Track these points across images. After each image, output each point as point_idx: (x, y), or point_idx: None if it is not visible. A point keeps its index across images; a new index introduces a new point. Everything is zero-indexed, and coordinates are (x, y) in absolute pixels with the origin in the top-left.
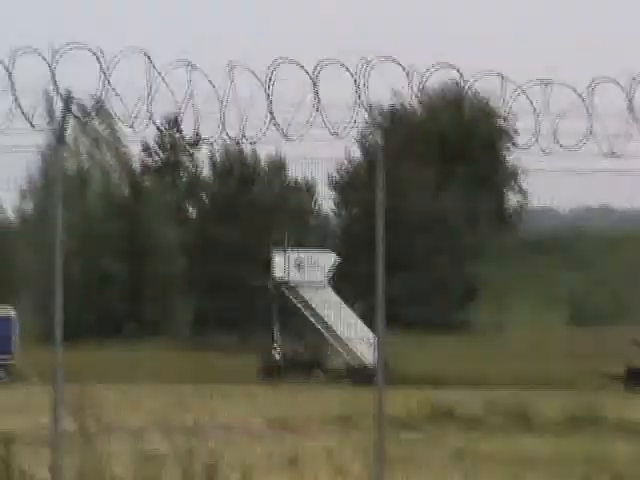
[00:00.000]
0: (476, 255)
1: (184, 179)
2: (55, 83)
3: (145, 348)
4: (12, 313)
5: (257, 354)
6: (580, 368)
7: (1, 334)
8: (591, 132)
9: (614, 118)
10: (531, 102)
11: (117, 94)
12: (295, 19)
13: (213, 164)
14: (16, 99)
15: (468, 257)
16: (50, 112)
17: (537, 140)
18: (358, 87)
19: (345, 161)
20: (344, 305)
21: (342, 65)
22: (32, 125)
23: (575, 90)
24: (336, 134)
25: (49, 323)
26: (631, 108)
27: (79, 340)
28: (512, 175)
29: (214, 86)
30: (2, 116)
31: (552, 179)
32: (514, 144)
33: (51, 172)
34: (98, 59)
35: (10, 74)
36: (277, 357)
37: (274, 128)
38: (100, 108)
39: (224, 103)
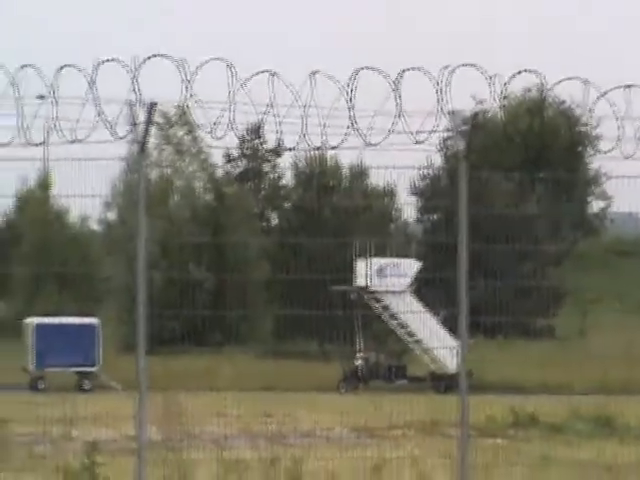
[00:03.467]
0: (559, 261)
1: (266, 187)
2: (138, 92)
3: (228, 356)
4: (96, 322)
5: (339, 361)
6: None
7: (85, 344)
8: None
9: None
10: (613, 107)
11: (199, 103)
12: (374, 26)
13: (295, 171)
14: (99, 109)
15: (551, 263)
16: (133, 121)
17: (619, 145)
18: (440, 94)
19: (426, 168)
20: (426, 312)
21: (424, 72)
22: (115, 135)
23: None
24: (418, 142)
25: (133, 332)
26: None
27: (162, 348)
28: (595, 180)
29: (296, 94)
30: (85, 127)
31: (635, 184)
32: (597, 149)
33: (134, 181)
34: (180, 68)
35: (93, 84)
36: (359, 364)
37: (356, 135)
38: (182, 117)
39: (306, 111)
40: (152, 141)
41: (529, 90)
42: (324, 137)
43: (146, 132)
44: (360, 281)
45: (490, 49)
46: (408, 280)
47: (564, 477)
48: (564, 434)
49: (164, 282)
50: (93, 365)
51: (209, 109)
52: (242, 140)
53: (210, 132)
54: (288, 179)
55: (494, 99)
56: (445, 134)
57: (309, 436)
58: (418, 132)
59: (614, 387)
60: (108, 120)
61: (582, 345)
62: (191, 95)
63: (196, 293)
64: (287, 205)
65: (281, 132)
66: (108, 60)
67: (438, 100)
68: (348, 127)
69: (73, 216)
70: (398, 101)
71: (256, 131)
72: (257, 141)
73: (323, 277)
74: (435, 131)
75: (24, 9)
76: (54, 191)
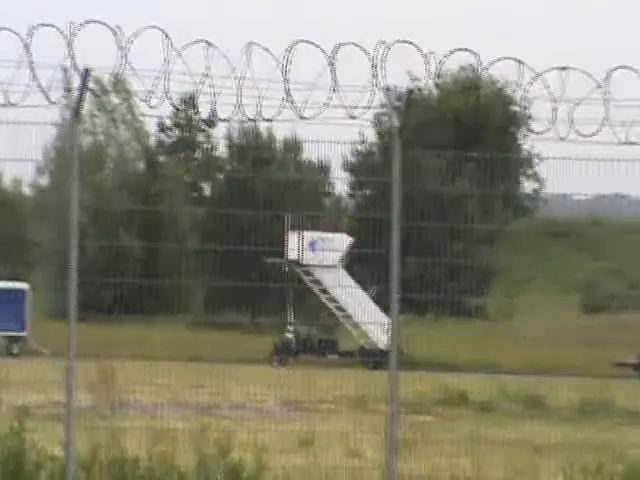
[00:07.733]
0: (490, 240)
1: (199, 157)
2: (73, 58)
3: (158, 325)
4: (26, 287)
5: (271, 334)
6: (593, 355)
7: (14, 308)
8: (607, 120)
9: (631, 106)
10: (548, 89)
11: (134, 71)
12: (313, 3)
13: (229, 143)
14: (33, 74)
15: (482, 242)
16: (67, 87)
17: (553, 127)
18: (375, 69)
19: (360, 143)
20: (358, 288)
21: (360, 47)
22: (49, 100)
23: (592, 77)
24: (353, 117)
25: (64, 298)
26: None
27: (92, 315)
28: (527, 161)
29: (232, 65)
30: (19, 91)
31: (568, 166)
32: (530, 130)
33: (67, 147)
34: (116, 35)
35: (28, 49)
36: (291, 337)
37: (290, 108)
38: (117, 84)
39: (241, 82)
40: (86, 108)
41: (464, 69)
42: (259, 109)
43: (80, 98)
44: (292, 254)
45: (426, 30)
46: (339, 255)
47: (491, 455)
48: (493, 413)
49: (95, 250)
50: (22, 330)
51: (145, 77)
52: (176, 109)
53: (145, 100)
54: (221, 150)
55: (429, 77)
56: (379, 110)
57: (240, 408)
58: (353, 107)
59: (542, 368)
60: (42, 85)
61: (511, 325)
62: (127, 63)
63: (126, 261)
64: (220, 176)
65: (215, 103)
66: (43, 25)
67: (373, 76)
68: (283, 99)
69: (5, 180)
70: (334, 75)
71: (190, 101)
72: (191, 111)
73: (255, 249)
74: (370, 107)
75: None
76: None
